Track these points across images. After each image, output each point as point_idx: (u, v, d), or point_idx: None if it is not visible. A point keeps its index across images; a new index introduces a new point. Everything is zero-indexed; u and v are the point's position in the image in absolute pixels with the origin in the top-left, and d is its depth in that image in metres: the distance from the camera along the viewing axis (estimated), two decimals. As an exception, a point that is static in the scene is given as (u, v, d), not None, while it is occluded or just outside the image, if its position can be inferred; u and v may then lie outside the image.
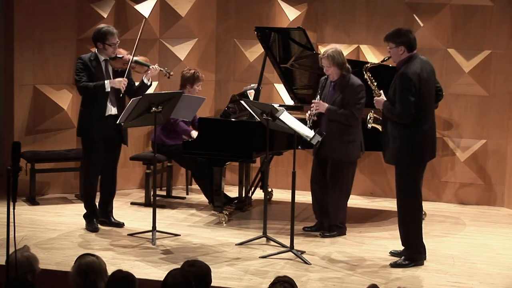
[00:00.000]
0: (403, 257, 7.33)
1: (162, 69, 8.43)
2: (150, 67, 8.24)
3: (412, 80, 7.08)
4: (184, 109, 8.07)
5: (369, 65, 7.58)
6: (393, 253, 7.56)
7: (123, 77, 8.09)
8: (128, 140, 8.37)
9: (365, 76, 7.53)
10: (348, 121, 7.94)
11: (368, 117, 7.61)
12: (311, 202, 8.36)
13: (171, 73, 8.55)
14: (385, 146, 7.32)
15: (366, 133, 8.11)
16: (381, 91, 7.36)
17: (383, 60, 7.54)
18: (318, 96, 8.06)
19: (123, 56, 8.19)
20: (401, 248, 7.45)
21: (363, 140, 8.13)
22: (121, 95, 8.04)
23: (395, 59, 7.26)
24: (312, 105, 8.03)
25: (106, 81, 8.01)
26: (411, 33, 7.29)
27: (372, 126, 7.63)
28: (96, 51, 8.14)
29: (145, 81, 8.21)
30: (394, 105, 7.14)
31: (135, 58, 8.18)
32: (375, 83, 7.44)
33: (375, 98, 7.38)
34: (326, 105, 7.98)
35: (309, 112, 8.07)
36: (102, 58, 8.12)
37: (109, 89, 8.01)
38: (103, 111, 8.06)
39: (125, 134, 8.25)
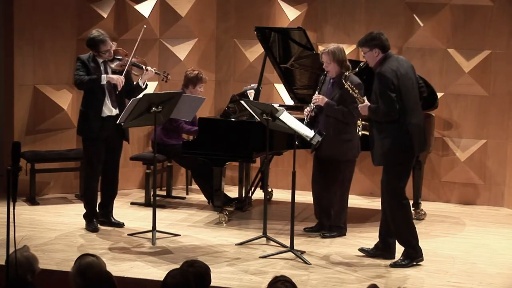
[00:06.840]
0: (402, 257, 7.33)
1: (158, 73, 8.40)
2: (144, 69, 8.23)
3: (389, 77, 7.12)
4: (184, 109, 8.07)
5: (347, 73, 7.60)
6: (363, 250, 7.58)
7: None
8: (129, 137, 8.37)
9: (345, 86, 7.54)
10: (344, 118, 7.93)
11: (357, 126, 7.59)
12: (311, 202, 8.36)
13: (169, 77, 8.52)
14: (372, 150, 7.33)
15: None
16: (364, 98, 7.40)
17: (360, 67, 7.51)
18: (317, 92, 8.07)
19: (121, 58, 8.18)
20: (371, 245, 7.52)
21: (359, 141, 8.12)
22: (117, 92, 8.02)
23: (371, 62, 7.30)
24: (313, 99, 8.03)
25: (103, 75, 8.00)
26: (383, 34, 7.32)
27: (362, 134, 7.64)
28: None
29: (140, 83, 8.20)
30: (378, 106, 7.16)
31: (133, 59, 8.16)
32: (356, 91, 7.48)
33: (359, 106, 7.40)
34: (326, 99, 7.98)
35: (307, 108, 8.07)
36: (100, 60, 8.12)
37: (104, 82, 7.98)
38: (103, 112, 8.06)
39: (126, 131, 8.24)
